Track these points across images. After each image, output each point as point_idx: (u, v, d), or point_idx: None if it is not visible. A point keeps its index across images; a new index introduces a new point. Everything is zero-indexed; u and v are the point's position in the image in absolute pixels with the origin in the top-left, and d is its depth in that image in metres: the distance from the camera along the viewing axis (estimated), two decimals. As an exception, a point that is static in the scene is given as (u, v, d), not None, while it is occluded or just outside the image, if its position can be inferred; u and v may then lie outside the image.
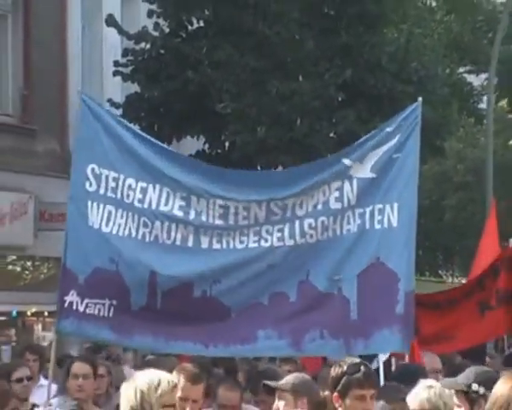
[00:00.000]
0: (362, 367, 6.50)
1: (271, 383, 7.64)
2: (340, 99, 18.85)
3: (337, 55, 18.42)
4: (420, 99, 9.26)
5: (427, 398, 6.39)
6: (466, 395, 6.12)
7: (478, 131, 24.86)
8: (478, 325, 10.67)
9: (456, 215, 21.19)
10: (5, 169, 17.56)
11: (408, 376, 8.17)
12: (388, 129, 9.29)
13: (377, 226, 9.09)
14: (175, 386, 5.60)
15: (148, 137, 10.13)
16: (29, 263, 19.05)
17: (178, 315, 9.07)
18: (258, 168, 18.86)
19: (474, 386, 6.22)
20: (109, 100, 19.03)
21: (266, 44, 18.60)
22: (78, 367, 8.44)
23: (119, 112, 19.18)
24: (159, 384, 5.39)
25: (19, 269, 19.73)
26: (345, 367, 6.43)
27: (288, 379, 7.40)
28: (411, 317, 8.73)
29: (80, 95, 9.49)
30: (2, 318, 19.00)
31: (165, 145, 11.87)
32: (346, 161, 9.22)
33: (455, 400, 6.28)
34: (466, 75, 26.94)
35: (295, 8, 18.63)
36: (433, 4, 27.22)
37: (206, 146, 19.36)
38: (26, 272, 19.42)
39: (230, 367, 9.92)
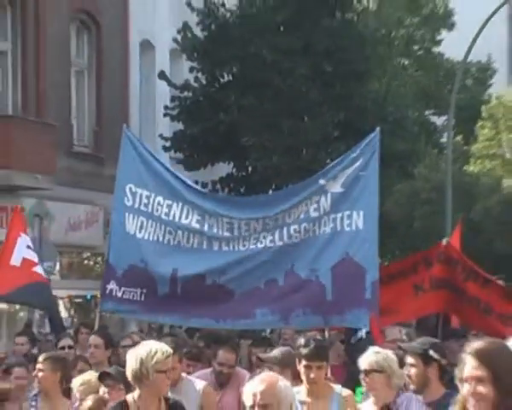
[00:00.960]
0: (312, 343, 7.12)
1: (262, 356, 8.52)
2: (335, 135, 21.27)
3: (334, 101, 20.95)
4: (378, 128, 10.33)
5: (375, 360, 6.99)
6: (421, 357, 6.73)
7: (440, 159, 26.08)
8: (413, 302, 11.32)
9: (423, 224, 22.59)
10: (82, 187, 20.01)
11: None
12: (354, 154, 10.28)
13: (347, 229, 10.12)
14: (168, 356, 6.07)
15: (170, 168, 11.69)
16: (99, 258, 21.03)
17: (195, 299, 10.08)
18: (274, 187, 20.90)
19: (431, 352, 6.94)
20: (160, 135, 22.03)
21: (280, 94, 20.90)
22: (92, 339, 9.28)
23: (167, 144, 22.14)
24: (155, 353, 5.95)
25: (92, 263, 22.37)
26: (302, 341, 7.19)
27: (275, 353, 8.13)
28: (377, 301, 9.69)
29: (124, 129, 10.76)
30: (79, 300, 21.29)
31: (181, 176, 12.21)
32: (322, 181, 10.22)
33: (410, 360, 6.77)
34: (431, 117, 28.70)
35: (303, 65, 20.80)
36: (406, 63, 29.18)
37: (234, 170, 21.81)
38: (97, 266, 21.72)
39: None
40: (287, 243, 10.32)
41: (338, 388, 7.41)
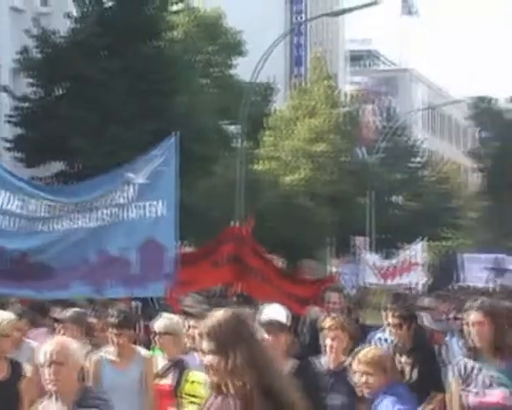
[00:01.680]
0: (120, 313, 7.57)
1: (57, 316, 8.84)
2: (150, 140, 20.26)
3: (149, 113, 22.82)
4: (178, 133, 10.97)
5: (166, 324, 7.61)
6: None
7: (233, 160, 27.99)
8: (210, 274, 12.33)
9: (220, 213, 25.05)
10: None
11: None
12: (156, 152, 10.94)
13: (152, 215, 10.72)
14: (11, 322, 6.95)
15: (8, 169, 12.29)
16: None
17: (20, 273, 10.37)
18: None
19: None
20: (3, 138, 24.36)
21: (105, 107, 22.74)
22: None
23: (10, 145, 24.09)
24: (1, 322, 6.79)
25: None
26: (112, 311, 7.73)
27: (69, 312, 8.58)
28: (175, 274, 10.39)
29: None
30: None
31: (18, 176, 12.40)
32: (129, 174, 10.77)
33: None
34: (227, 126, 32.40)
35: (123, 84, 22.88)
36: (206, 82, 32.89)
37: (67, 168, 23.86)
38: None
39: None
40: (98, 225, 10.79)
41: (141, 350, 7.90)
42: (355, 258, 35.70)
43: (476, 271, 32.97)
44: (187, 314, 7.91)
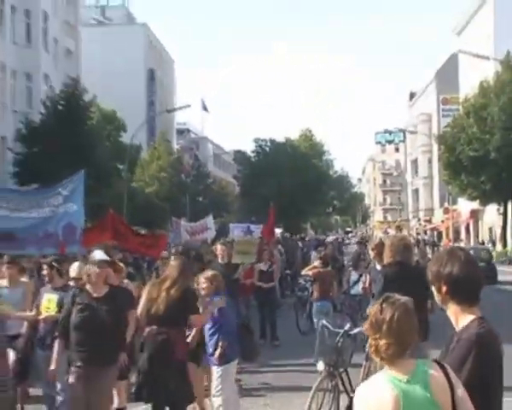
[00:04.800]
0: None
1: None
2: None
3: None
4: (83, 170, 14.23)
5: (79, 266, 8.51)
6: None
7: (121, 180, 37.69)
8: (101, 238, 13.81)
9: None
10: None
11: None
12: (73, 178, 14.18)
13: (70, 210, 13.71)
14: None
15: None
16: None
17: (7, 240, 12.97)
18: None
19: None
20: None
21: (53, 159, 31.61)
22: None
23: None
24: None
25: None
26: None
27: None
28: (80, 241, 13.51)
29: None
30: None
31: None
32: (60, 189, 13.97)
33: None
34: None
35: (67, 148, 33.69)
36: None
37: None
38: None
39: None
40: (43, 215, 13.67)
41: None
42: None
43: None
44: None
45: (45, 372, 7.97)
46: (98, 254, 7.38)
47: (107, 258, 7.55)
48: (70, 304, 7.41)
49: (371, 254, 11.47)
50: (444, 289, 3.63)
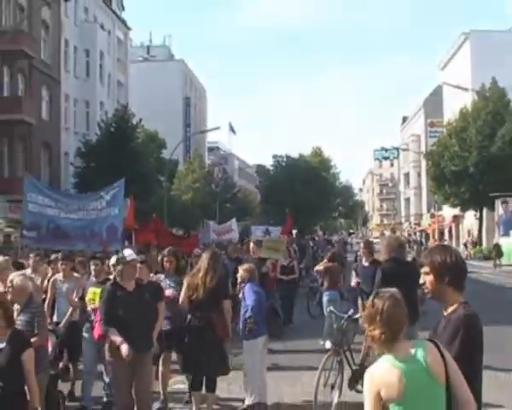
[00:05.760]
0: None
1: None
2: None
3: None
4: (124, 178, 13.71)
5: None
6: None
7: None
8: (144, 237, 13.96)
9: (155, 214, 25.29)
10: None
11: None
12: (115, 185, 13.78)
13: (112, 213, 13.38)
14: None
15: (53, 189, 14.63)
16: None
17: (56, 236, 12.92)
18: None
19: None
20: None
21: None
22: None
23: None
24: None
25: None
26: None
27: None
28: (120, 240, 12.97)
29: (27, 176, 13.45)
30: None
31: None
32: (102, 193, 13.58)
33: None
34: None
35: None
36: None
37: None
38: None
39: None
40: (89, 217, 13.51)
41: None
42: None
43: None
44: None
45: (100, 352, 7.72)
46: (128, 253, 7.00)
47: (136, 257, 7.22)
48: (106, 298, 6.86)
49: (361, 251, 11.32)
50: (447, 278, 3.51)
